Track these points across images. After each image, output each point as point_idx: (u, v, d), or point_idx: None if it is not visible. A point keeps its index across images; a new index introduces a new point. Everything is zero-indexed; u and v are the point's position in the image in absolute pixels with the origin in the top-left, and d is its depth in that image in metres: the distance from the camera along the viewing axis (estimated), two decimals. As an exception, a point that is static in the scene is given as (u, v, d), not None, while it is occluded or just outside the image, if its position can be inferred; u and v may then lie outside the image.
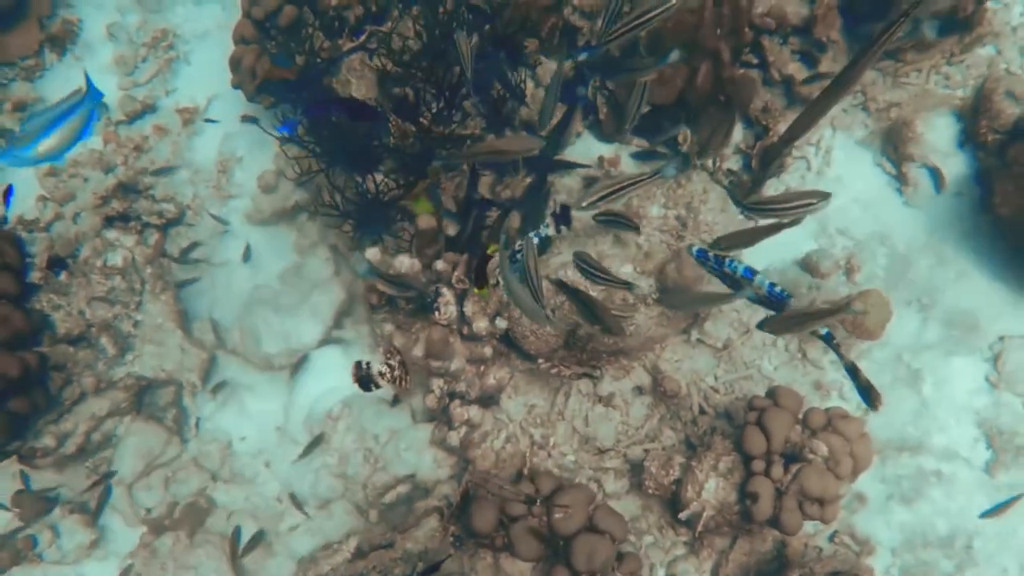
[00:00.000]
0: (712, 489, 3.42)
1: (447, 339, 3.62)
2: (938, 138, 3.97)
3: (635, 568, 3.33)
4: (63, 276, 4.36)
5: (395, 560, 3.51)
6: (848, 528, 3.59)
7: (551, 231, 3.78)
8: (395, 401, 4.15)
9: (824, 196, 2.77)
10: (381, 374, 3.25)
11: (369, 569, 3.48)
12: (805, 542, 3.52)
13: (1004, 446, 3.53)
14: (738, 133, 4.32)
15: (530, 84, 4.57)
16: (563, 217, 3.73)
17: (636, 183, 2.97)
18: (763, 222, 2.99)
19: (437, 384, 3.81)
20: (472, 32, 4.52)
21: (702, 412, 3.84)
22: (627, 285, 3.07)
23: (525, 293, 2.84)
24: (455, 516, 3.55)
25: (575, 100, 4.24)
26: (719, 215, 3.88)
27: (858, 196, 4.11)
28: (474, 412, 3.82)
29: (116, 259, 4.52)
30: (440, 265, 3.74)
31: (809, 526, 3.35)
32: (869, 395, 2.99)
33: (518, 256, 3.57)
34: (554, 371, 3.56)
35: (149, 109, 5.48)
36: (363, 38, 4.70)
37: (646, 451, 3.85)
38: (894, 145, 4.05)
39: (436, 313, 3.64)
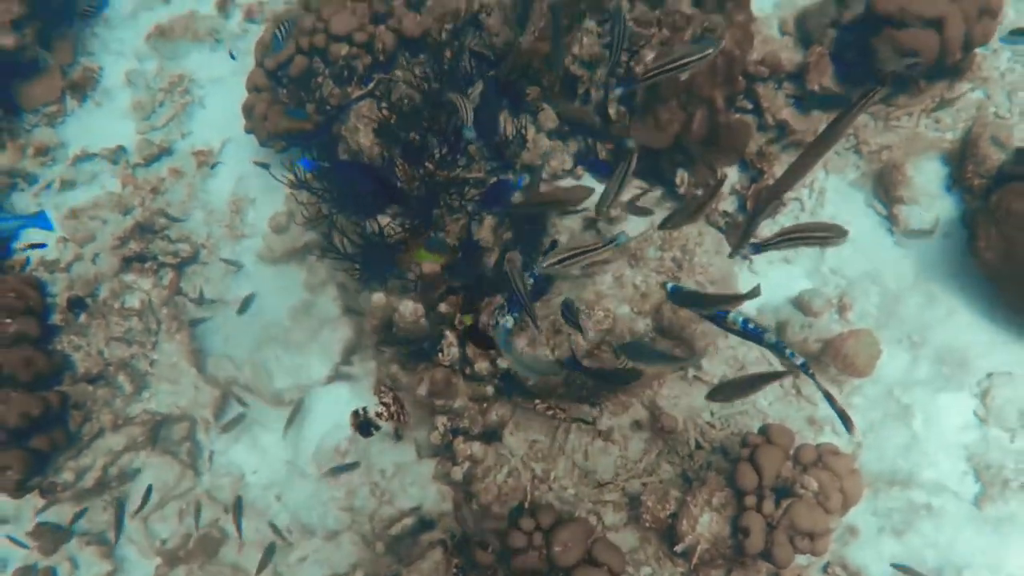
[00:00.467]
0: (707, 523, 3.52)
1: (450, 379, 3.76)
2: (927, 181, 4.10)
3: (633, 600, 3.43)
4: (83, 317, 4.55)
5: (400, 592, 3.63)
6: (840, 560, 3.67)
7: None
8: (398, 436, 4.28)
9: (842, 232, 2.92)
10: (379, 414, 3.40)
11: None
12: (798, 573, 3.61)
13: (992, 480, 3.61)
14: (734, 175, 4.47)
15: (531, 129, 4.74)
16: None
17: (592, 251, 3.16)
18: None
19: (441, 421, 3.94)
20: (475, 79, 4.73)
21: (698, 447, 3.95)
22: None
23: (533, 363, 3.00)
24: (459, 549, 3.67)
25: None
26: (713, 257, 4.02)
27: (850, 236, 4.21)
28: (477, 448, 3.95)
29: (133, 301, 4.70)
30: (443, 308, 3.89)
31: (802, 558, 3.43)
32: (845, 421, 3.11)
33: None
34: (550, 413, 3.68)
35: (165, 152, 5.71)
36: (371, 86, 4.90)
37: (644, 484, 3.96)
38: (885, 187, 4.18)
39: (439, 354, 3.79)
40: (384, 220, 4.45)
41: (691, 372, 4.07)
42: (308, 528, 4.38)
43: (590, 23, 4.54)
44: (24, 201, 5.54)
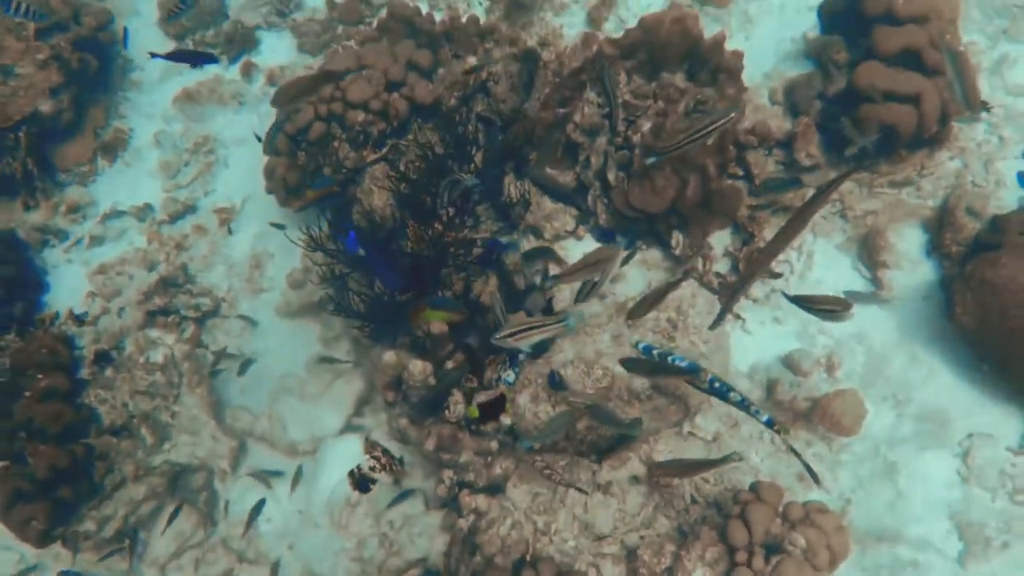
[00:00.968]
0: (700, 577, 3.67)
1: (456, 435, 3.97)
2: (909, 247, 4.32)
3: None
4: (109, 371, 4.79)
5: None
6: (831, 615, 3.81)
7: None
8: (397, 483, 4.44)
9: (847, 306, 3.18)
10: (372, 468, 3.62)
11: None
12: (789, 629, 3.73)
13: (974, 538, 3.75)
14: (727, 237, 4.70)
15: (535, 192, 5.00)
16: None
17: (541, 328, 3.43)
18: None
19: (447, 475, 4.13)
20: (483, 143, 5.01)
21: (693, 501, 4.11)
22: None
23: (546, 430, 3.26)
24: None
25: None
26: (706, 318, 4.22)
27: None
28: (481, 500, 4.12)
29: (157, 356, 4.96)
30: (451, 366, 4.10)
31: (792, 614, 3.57)
32: (812, 474, 3.28)
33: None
34: (547, 472, 3.86)
35: (190, 209, 6.00)
36: (385, 150, 5.19)
37: (642, 537, 4.11)
38: (869, 252, 4.39)
39: (446, 411, 3.99)
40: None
41: (686, 428, 4.25)
42: (320, 577, 4.56)
43: (591, 94, 4.82)
44: (55, 257, 5.85)
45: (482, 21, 5.59)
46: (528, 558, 4.08)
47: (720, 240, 4.65)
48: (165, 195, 6.04)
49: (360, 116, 5.13)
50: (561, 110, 4.78)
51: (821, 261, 4.51)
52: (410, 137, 5.22)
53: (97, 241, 5.87)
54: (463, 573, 3.88)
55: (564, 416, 3.67)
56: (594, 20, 5.85)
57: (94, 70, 6.04)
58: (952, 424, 3.98)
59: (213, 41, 6.55)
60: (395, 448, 4.40)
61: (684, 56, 4.69)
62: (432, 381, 4.03)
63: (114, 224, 5.92)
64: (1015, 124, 4.53)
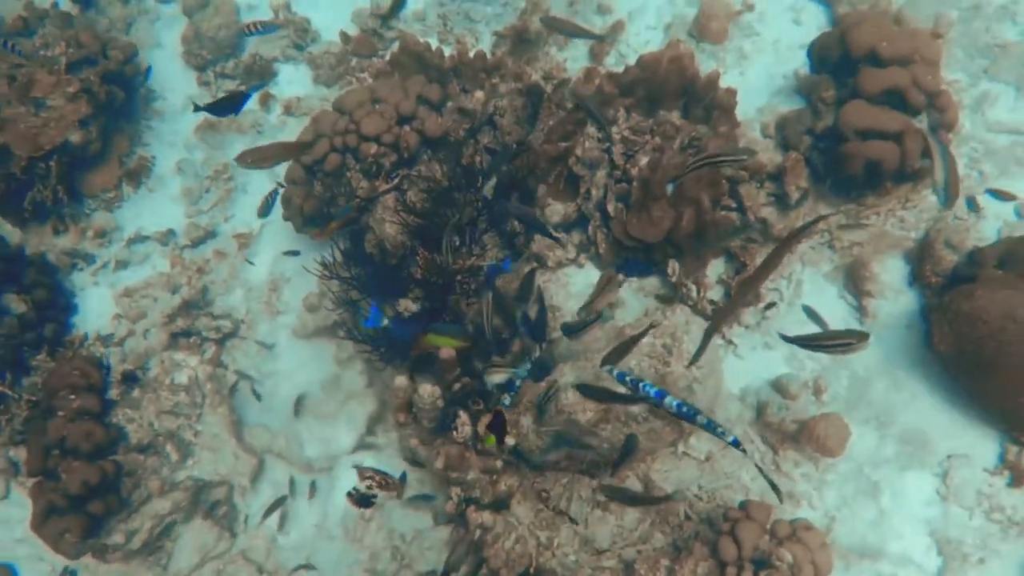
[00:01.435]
0: (692, 591, 3.91)
1: (463, 454, 4.22)
2: (892, 277, 4.55)
3: (625, 661, 3.81)
4: (136, 392, 5.08)
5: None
6: (816, 627, 4.03)
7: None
8: (399, 497, 4.68)
9: (863, 337, 3.34)
10: (368, 487, 3.90)
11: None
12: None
13: (953, 554, 3.97)
14: (720, 266, 4.94)
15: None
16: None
17: (503, 369, 3.99)
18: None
19: (455, 492, 4.38)
20: (489, 174, 5.27)
21: (687, 518, 4.35)
22: None
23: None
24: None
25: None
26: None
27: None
28: (487, 516, 4.37)
29: (181, 378, 5.24)
30: (456, 388, 4.36)
31: (778, 626, 3.80)
32: (775, 490, 3.49)
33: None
34: (544, 495, 4.11)
35: (210, 235, 6.29)
36: (396, 181, 5.46)
37: (639, 552, 4.35)
38: (854, 281, 4.63)
39: (454, 432, 4.25)
40: (404, 303, 4.96)
41: (680, 448, 4.49)
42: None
43: (591, 129, 5.08)
44: (82, 280, 6.14)
45: (489, 56, 5.85)
46: (532, 571, 4.32)
47: (715, 269, 4.89)
48: (187, 220, 6.32)
49: (373, 148, 5.40)
50: (563, 144, 5.04)
51: (810, 289, 4.75)
52: (420, 168, 5.49)
53: (122, 265, 6.16)
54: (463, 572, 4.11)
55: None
56: (595, 55, 6.11)
57: (120, 101, 6.33)
58: (932, 446, 4.20)
59: (232, 72, 6.85)
60: (405, 468, 4.66)
61: (680, 93, 4.95)
62: (440, 404, 4.28)
63: (139, 248, 6.21)
64: (995, 159, 4.76)
